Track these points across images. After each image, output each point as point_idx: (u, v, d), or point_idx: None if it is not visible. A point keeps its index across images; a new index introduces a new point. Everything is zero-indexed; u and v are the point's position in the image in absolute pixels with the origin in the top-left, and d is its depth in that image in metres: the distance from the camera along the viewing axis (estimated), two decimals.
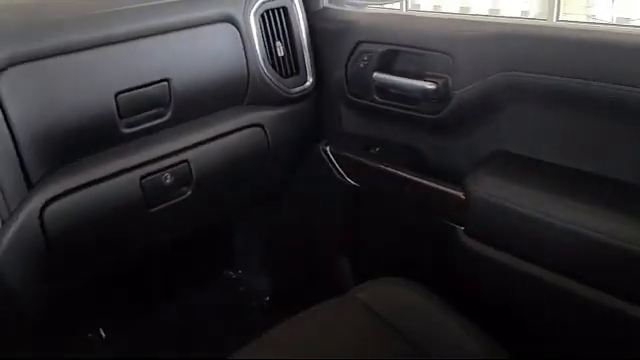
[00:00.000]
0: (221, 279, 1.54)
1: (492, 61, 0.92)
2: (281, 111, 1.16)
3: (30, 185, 0.86)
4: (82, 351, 1.31)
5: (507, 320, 0.92)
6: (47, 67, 0.85)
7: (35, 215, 0.86)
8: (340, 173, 1.17)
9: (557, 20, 3.08)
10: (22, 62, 0.82)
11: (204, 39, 1.02)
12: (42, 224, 0.87)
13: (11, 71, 0.81)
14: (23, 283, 0.85)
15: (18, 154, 0.83)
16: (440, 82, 0.97)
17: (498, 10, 3.74)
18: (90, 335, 1.33)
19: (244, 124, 1.12)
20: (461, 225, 0.97)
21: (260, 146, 1.15)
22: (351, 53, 1.10)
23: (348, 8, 1.22)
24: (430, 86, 0.97)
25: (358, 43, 1.09)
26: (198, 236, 1.36)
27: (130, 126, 0.96)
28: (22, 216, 0.84)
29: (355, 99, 1.13)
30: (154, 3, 0.97)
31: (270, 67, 1.11)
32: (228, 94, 1.09)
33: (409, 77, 1.02)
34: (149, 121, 0.98)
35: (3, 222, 0.82)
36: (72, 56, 0.87)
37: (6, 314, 0.83)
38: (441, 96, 0.97)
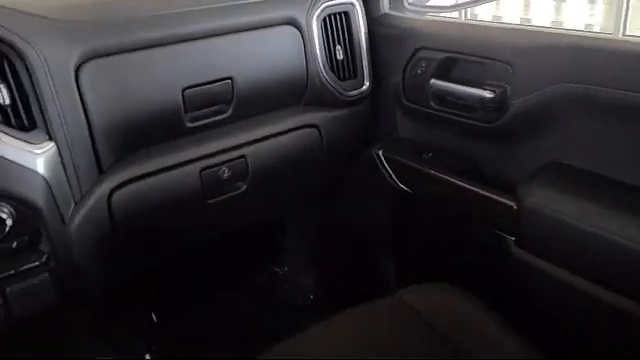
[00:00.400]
0: (267, 275, 1.58)
1: (552, 72, 0.91)
2: (337, 113, 1.19)
3: (101, 170, 0.92)
4: (132, 332, 1.38)
5: (552, 332, 0.91)
6: (123, 61, 0.91)
7: (104, 199, 0.92)
8: (392, 177, 1.18)
9: (623, 35, 2.97)
10: (101, 56, 0.88)
11: (267, 40, 1.06)
12: (109, 208, 0.93)
13: (91, 64, 0.87)
14: (89, 261, 0.91)
15: (93, 142, 0.89)
16: (498, 91, 0.97)
17: (560, 23, 3.65)
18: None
19: (300, 124, 1.15)
20: (512, 235, 0.96)
21: (314, 146, 1.18)
22: (409, 59, 1.11)
23: (408, 15, 1.24)
24: (488, 94, 0.97)
25: (417, 49, 1.10)
26: (248, 231, 1.40)
27: (194, 120, 1.01)
28: (92, 199, 0.90)
29: (411, 105, 1.14)
30: (223, 5, 1.02)
31: (329, 70, 1.14)
32: (287, 94, 1.12)
33: (467, 85, 1.02)
34: (211, 116, 1.03)
35: (76, 203, 0.88)
36: (145, 52, 0.93)
37: (72, 287, 0.88)
38: (498, 105, 0.97)
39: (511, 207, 0.94)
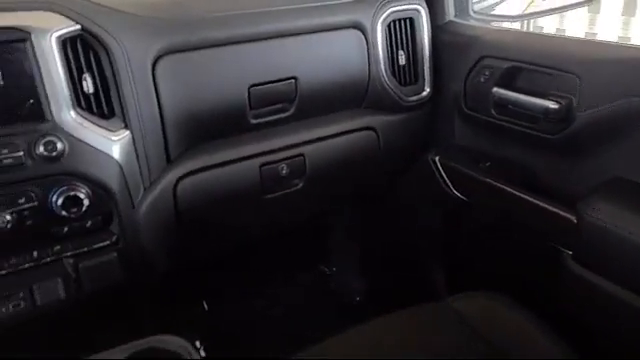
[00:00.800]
0: (315, 274, 1.60)
1: (621, 86, 0.89)
2: (395, 117, 1.20)
3: (169, 160, 0.97)
4: (183, 318, 1.43)
5: (603, 349, 0.89)
6: (195, 58, 0.95)
7: (170, 187, 0.97)
8: (447, 184, 1.19)
9: None
10: (176, 52, 0.93)
11: (333, 43, 1.09)
12: (174, 196, 0.97)
13: (167, 59, 0.92)
14: (153, 245, 0.96)
15: (164, 132, 0.94)
16: (564, 102, 0.96)
17: (629, 38, 3.52)
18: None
19: (359, 126, 1.17)
20: (569, 249, 0.95)
21: (372, 149, 1.19)
22: (472, 67, 1.11)
23: (473, 23, 1.24)
24: (552, 105, 0.96)
25: (481, 58, 1.10)
26: (300, 229, 1.43)
27: (257, 117, 1.04)
28: (160, 186, 0.95)
29: (471, 112, 1.14)
30: (292, 7, 1.05)
31: (390, 74, 1.15)
32: (348, 96, 1.15)
33: (530, 95, 1.01)
34: (274, 114, 1.06)
35: (145, 189, 0.93)
36: (217, 49, 0.97)
37: (136, 268, 0.93)
38: (563, 116, 0.96)
39: (570, 221, 0.93)
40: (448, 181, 1.18)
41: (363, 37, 1.11)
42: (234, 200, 1.06)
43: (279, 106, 1.07)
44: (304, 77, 1.05)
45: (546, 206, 0.98)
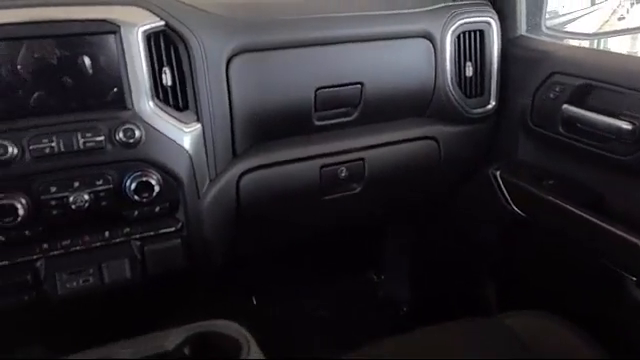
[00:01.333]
0: (363, 279, 1.61)
1: None
2: (458, 129, 1.19)
3: (235, 154, 1.00)
4: (233, 312, 1.46)
5: None
6: (267, 58, 0.98)
7: (234, 180, 1.00)
8: (507, 199, 1.17)
9: None
10: (250, 51, 0.97)
11: (401, 51, 1.10)
12: (237, 189, 1.01)
13: (240, 58, 0.96)
14: (215, 235, 0.99)
15: (232, 127, 0.97)
16: (637, 123, 0.93)
17: None
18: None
19: (420, 135, 1.18)
20: (633, 275, 0.91)
21: (432, 159, 1.19)
22: (542, 82, 1.09)
23: (545, 38, 1.22)
24: (626, 125, 0.93)
25: (552, 74, 1.08)
26: (353, 233, 1.44)
27: (321, 119, 1.06)
28: (224, 179, 0.99)
29: (537, 129, 1.12)
30: (364, 14, 1.07)
31: (456, 85, 1.15)
32: (412, 105, 1.15)
33: (602, 114, 0.99)
34: (337, 118, 1.08)
35: (211, 180, 0.97)
36: (288, 51, 1.00)
37: (196, 258, 0.97)
38: (637, 138, 0.93)
39: (637, 246, 0.90)
40: (508, 196, 1.16)
41: (432, 47, 1.11)
42: (293, 198, 1.08)
43: (343, 110, 1.08)
44: (370, 83, 1.07)
45: (612, 229, 0.95)
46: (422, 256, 1.48)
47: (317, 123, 1.06)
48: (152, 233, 0.92)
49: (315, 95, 1.03)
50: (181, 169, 0.91)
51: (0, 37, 0.78)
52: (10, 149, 0.78)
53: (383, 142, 1.14)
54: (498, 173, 1.19)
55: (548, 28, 1.24)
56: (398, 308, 1.54)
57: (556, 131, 1.08)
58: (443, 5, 1.13)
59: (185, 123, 0.90)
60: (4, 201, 0.78)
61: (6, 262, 0.83)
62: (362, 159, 1.12)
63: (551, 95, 1.07)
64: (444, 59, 1.12)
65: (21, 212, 0.79)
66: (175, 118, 0.89)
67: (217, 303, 1.33)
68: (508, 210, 1.17)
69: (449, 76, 1.13)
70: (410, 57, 1.11)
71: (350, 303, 1.57)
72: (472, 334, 0.92)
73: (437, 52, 1.12)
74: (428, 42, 1.11)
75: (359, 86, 1.06)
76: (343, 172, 1.11)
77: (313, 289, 1.54)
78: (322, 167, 1.09)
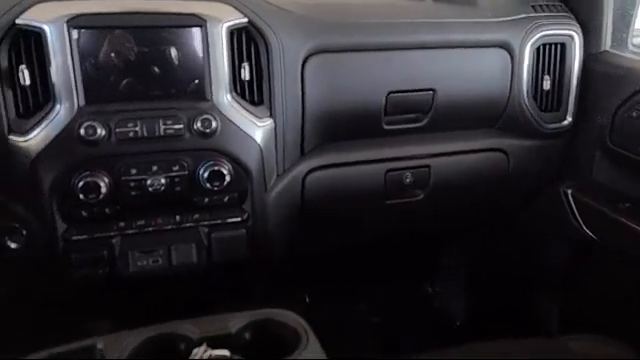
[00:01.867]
0: (418, 289, 1.59)
1: None
2: (530, 143, 1.16)
3: (303, 152, 1.02)
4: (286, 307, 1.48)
5: None
6: (343, 59, 1.00)
7: (300, 177, 1.02)
8: (577, 220, 1.13)
9: None
10: (326, 52, 0.98)
11: (476, 60, 1.09)
12: (303, 186, 1.03)
13: (316, 58, 0.98)
14: (278, 229, 1.02)
15: (302, 126, 0.99)
16: None
17: None
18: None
19: (489, 146, 1.15)
20: None
21: (500, 172, 1.17)
22: (625, 101, 1.05)
23: (631, 55, 1.16)
24: None
25: (636, 92, 1.03)
26: (412, 241, 1.43)
27: (390, 123, 1.07)
28: (291, 175, 1.01)
29: (616, 148, 1.07)
30: (441, 20, 1.06)
31: (532, 98, 1.12)
32: (483, 115, 1.13)
33: None
34: (406, 123, 1.08)
35: (278, 175, 0.99)
36: (363, 54, 1.01)
37: (259, 250, 1.00)
38: None
39: None
40: (579, 216, 1.12)
41: (509, 58, 1.09)
42: (356, 200, 1.09)
43: (413, 116, 1.08)
44: (442, 90, 1.06)
45: None
46: (481, 269, 1.45)
47: (386, 127, 1.07)
48: (219, 221, 0.95)
49: (386, 99, 1.03)
50: (251, 162, 0.93)
51: (96, 25, 0.83)
52: (99, 130, 0.83)
53: (450, 151, 1.13)
54: (570, 192, 1.15)
55: (635, 45, 1.19)
56: (451, 322, 1.51)
57: (636, 152, 1.03)
58: (524, 16, 1.10)
59: (259, 117, 0.93)
60: (89, 179, 0.84)
61: (86, 236, 0.88)
62: (428, 166, 1.12)
63: (634, 114, 1.03)
64: (521, 71, 1.10)
65: (103, 190, 0.84)
66: (250, 112, 0.92)
67: (272, 296, 1.35)
68: (577, 230, 1.12)
69: (525, 89, 1.11)
70: (485, 67, 1.10)
71: (402, 311, 1.55)
72: (535, 354, 0.89)
73: (514, 63, 1.09)
74: (506, 52, 1.09)
75: (431, 93, 1.06)
76: (408, 178, 1.11)
77: (366, 293, 1.54)
78: (387, 171, 1.09)
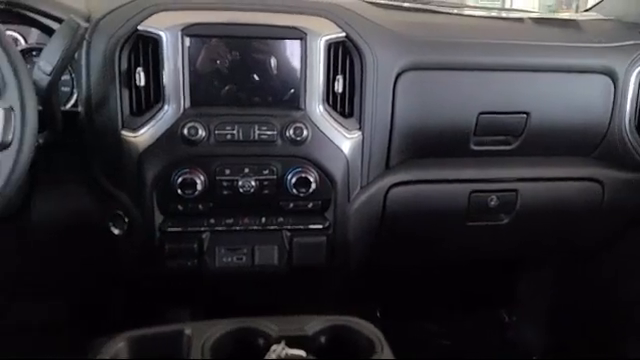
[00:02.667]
0: (494, 316, 1.54)
1: None
2: (629, 175, 1.11)
3: (387, 166, 1.03)
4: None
5: None
6: (435, 77, 1.00)
7: (382, 191, 1.03)
8: None
9: None
10: (419, 69, 0.99)
11: (575, 85, 1.05)
12: (385, 201, 1.04)
13: (409, 74, 0.99)
14: (357, 240, 1.03)
15: (389, 140, 1.00)
16: None
17: None
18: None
19: (583, 175, 1.11)
20: None
21: (592, 203, 1.12)
22: None
23: None
24: None
25: None
26: (493, 265, 1.39)
27: (478, 144, 1.05)
28: (374, 188, 1.02)
29: None
30: (541, 43, 1.04)
31: (634, 129, 1.06)
32: (579, 143, 1.09)
33: None
34: (496, 145, 1.06)
35: (361, 187, 1.01)
36: (456, 73, 1.01)
37: (337, 259, 1.02)
38: None
39: None
40: None
41: (612, 85, 1.04)
42: (437, 218, 1.08)
43: (503, 138, 1.06)
44: (537, 114, 1.03)
45: None
46: (563, 302, 1.38)
47: (474, 147, 1.05)
48: (302, 227, 0.98)
49: (477, 119, 1.02)
50: (337, 171, 0.96)
51: (206, 34, 0.90)
52: (200, 131, 0.89)
53: (540, 176, 1.10)
54: None
55: None
56: (528, 355, 1.45)
57: None
58: (632, 42, 1.06)
59: (348, 129, 0.96)
60: (187, 176, 0.90)
61: (180, 229, 0.94)
62: (515, 190, 1.09)
63: None
64: (625, 99, 1.05)
65: (199, 187, 0.90)
66: (340, 123, 0.95)
67: (345, 305, 1.37)
68: None
69: (628, 118, 1.06)
70: (586, 93, 1.06)
71: (475, 337, 1.51)
72: None
73: (617, 91, 1.05)
74: (608, 79, 1.05)
75: (524, 116, 1.04)
76: (493, 201, 1.09)
77: (439, 314, 1.51)
78: (472, 192, 1.08)
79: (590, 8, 1.36)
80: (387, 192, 1.04)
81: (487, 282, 1.50)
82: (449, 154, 1.07)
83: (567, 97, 1.05)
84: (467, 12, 1.18)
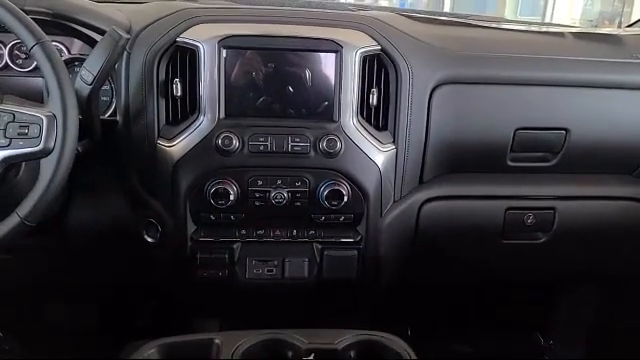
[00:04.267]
0: (529, 339, 1.49)
1: None
2: None
3: (421, 181, 1.02)
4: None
5: None
6: (471, 92, 0.99)
7: (416, 206, 1.02)
8: None
9: None
10: (455, 83, 0.98)
11: (617, 101, 1.02)
12: (418, 216, 1.02)
13: (445, 88, 0.97)
14: (388, 255, 1.02)
15: (424, 155, 0.99)
16: None
17: None
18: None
19: (625, 195, 1.07)
20: None
21: (635, 223, 1.08)
22: None
23: None
24: None
25: None
26: (526, 285, 1.35)
27: (515, 160, 1.03)
28: (407, 203, 1.01)
29: None
30: (583, 59, 1.01)
31: None
32: (620, 161, 1.06)
33: None
34: (533, 161, 1.04)
35: (394, 201, 1.00)
36: (493, 87, 1.00)
37: (368, 273, 1.00)
38: None
39: None
40: None
41: None
42: (471, 235, 1.06)
43: (541, 154, 1.04)
44: (577, 130, 1.01)
45: None
46: (602, 325, 1.32)
47: (510, 163, 1.03)
48: (333, 240, 0.98)
49: (514, 135, 1.00)
50: (370, 185, 0.95)
51: (243, 46, 0.91)
52: (234, 142, 0.90)
53: (579, 195, 1.07)
54: None
55: None
56: None
57: None
58: None
59: (382, 143, 0.95)
60: (220, 186, 0.90)
61: (212, 239, 0.95)
62: (553, 209, 1.06)
63: None
64: None
65: (232, 198, 0.91)
66: (374, 137, 0.95)
67: (374, 321, 1.35)
68: None
69: None
70: (628, 110, 1.03)
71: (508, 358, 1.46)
72: None
73: None
74: None
75: (563, 132, 1.01)
76: (530, 218, 1.06)
77: (472, 335, 1.47)
78: (508, 209, 1.05)
79: (634, 23, 1.33)
80: (420, 207, 1.02)
81: (522, 302, 1.46)
82: (485, 170, 1.05)
83: (608, 114, 1.02)
84: (505, 26, 1.16)
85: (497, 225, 1.05)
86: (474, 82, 0.99)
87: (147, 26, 0.91)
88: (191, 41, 0.89)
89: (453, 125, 0.99)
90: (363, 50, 0.92)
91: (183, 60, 0.90)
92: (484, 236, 1.07)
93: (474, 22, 1.16)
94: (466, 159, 1.02)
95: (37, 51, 0.73)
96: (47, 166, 0.73)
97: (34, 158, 0.74)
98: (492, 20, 1.22)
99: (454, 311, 1.48)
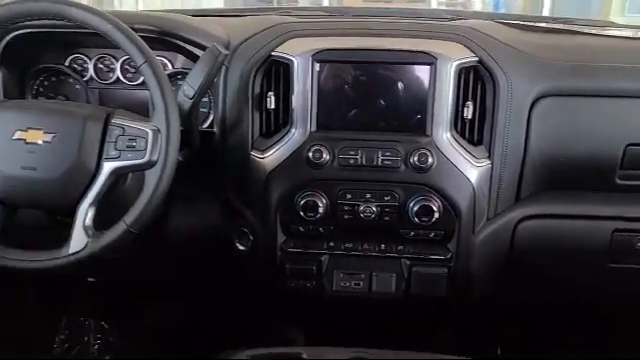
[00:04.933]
0: None
1: None
2: None
3: (518, 198, 0.96)
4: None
5: None
6: (576, 105, 0.93)
7: (511, 225, 0.97)
8: None
9: None
10: (557, 95, 0.92)
11: None
12: (513, 235, 0.97)
13: (546, 100, 0.92)
14: (480, 275, 0.97)
15: (521, 170, 0.94)
16: None
17: None
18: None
19: None
20: None
21: None
22: None
23: None
24: None
25: None
26: (635, 313, 1.24)
27: (625, 178, 0.95)
28: (502, 221, 0.96)
29: None
30: None
31: None
32: None
33: None
34: None
35: (488, 219, 0.95)
36: (601, 100, 0.93)
37: (459, 291, 0.97)
38: None
39: None
40: None
41: None
42: (573, 257, 0.99)
43: None
44: None
45: None
46: None
47: (619, 182, 0.95)
48: (422, 256, 0.95)
49: (624, 151, 0.92)
50: (463, 202, 0.92)
51: (336, 59, 0.91)
52: (325, 155, 0.90)
53: None
54: None
55: None
56: None
57: None
58: None
59: (476, 158, 0.91)
60: (310, 198, 0.91)
61: (300, 250, 0.96)
62: None
63: None
64: None
65: (321, 210, 0.91)
66: (468, 151, 0.91)
67: (463, 340, 1.30)
68: None
69: None
70: None
71: None
72: None
73: None
74: None
75: None
76: None
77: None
78: (614, 231, 0.97)
79: None
80: (516, 225, 0.97)
81: (627, 330, 1.34)
82: (589, 188, 0.97)
83: None
84: (610, 32, 1.08)
85: (602, 248, 0.98)
86: (578, 94, 0.92)
87: (244, 41, 0.94)
88: (285, 55, 0.90)
89: (555, 139, 0.93)
90: (459, 62, 0.89)
91: (277, 73, 0.92)
92: (588, 259, 0.99)
93: (578, 28, 1.08)
94: (568, 176, 0.95)
95: (145, 68, 0.78)
96: (151, 177, 0.77)
97: (140, 169, 0.79)
98: (598, 25, 1.14)
99: (548, 333, 1.39)
